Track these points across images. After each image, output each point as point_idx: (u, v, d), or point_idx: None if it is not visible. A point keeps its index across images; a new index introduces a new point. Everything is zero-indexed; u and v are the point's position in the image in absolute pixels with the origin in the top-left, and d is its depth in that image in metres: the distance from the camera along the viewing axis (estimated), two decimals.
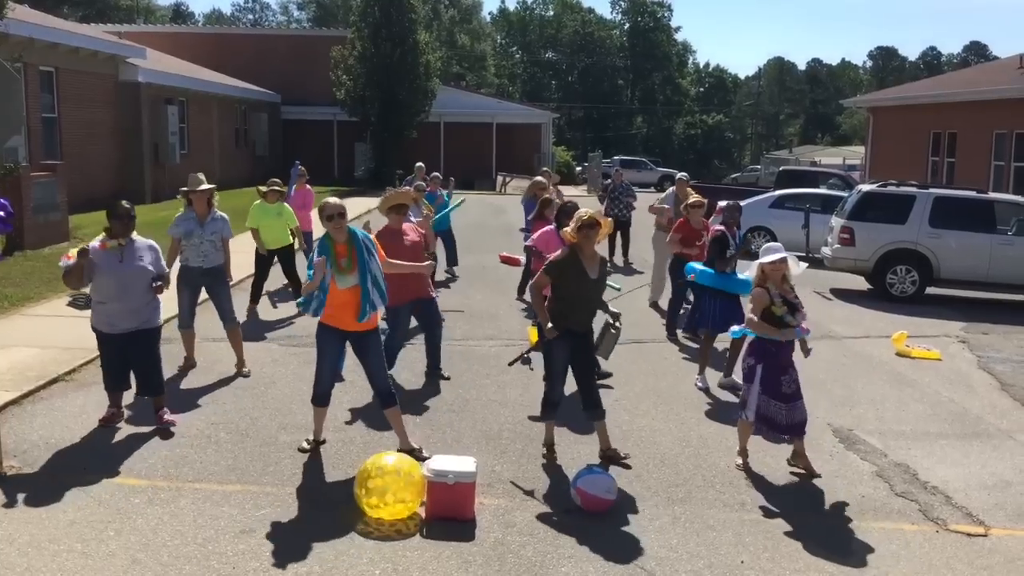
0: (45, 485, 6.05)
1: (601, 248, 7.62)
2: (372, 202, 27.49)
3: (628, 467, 6.76)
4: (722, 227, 9.26)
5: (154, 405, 7.30)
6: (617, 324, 7.30)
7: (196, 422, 7.38)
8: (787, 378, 6.67)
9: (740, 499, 6.30)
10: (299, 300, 6.71)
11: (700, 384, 8.98)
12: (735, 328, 7.44)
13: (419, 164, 16.85)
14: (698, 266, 9.27)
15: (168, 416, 7.27)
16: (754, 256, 7.34)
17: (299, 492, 6.10)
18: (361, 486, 5.69)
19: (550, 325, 6.65)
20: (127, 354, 7.14)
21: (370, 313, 6.53)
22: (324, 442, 6.91)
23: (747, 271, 6.99)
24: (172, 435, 7.08)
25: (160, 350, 7.37)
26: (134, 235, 7.08)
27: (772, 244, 6.88)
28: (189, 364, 8.98)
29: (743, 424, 6.87)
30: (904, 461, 7.17)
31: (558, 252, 6.85)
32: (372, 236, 6.74)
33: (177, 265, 8.70)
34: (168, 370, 8.34)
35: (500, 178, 41.16)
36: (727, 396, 8.70)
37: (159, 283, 6.99)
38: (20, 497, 5.86)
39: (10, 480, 6.11)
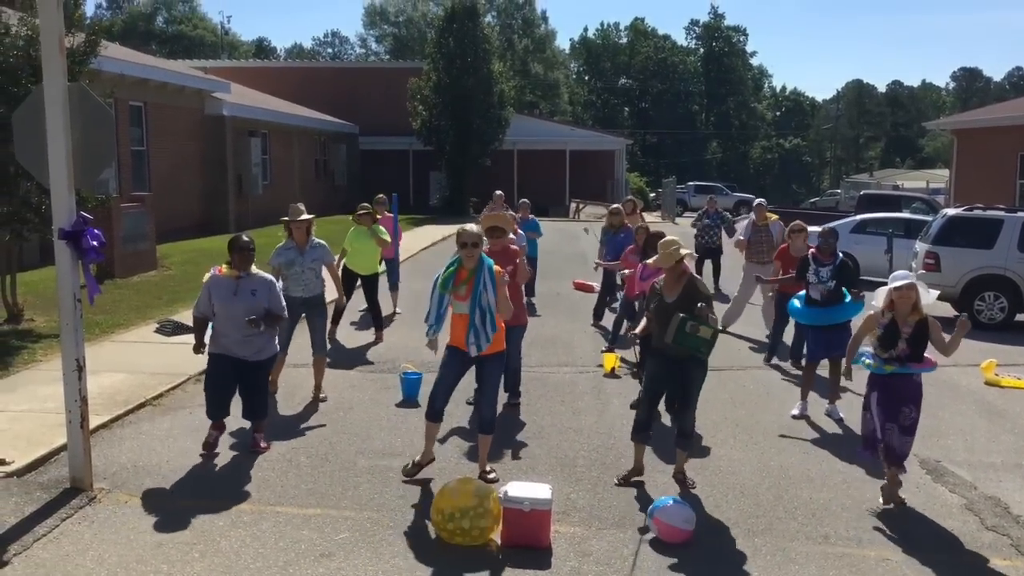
0: (133, 507, 6.23)
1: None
2: (447, 230, 27.82)
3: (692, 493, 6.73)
4: (813, 250, 9.18)
5: (252, 428, 7.49)
6: (692, 323, 6.61)
7: (277, 446, 7.52)
8: (906, 410, 6.51)
9: (823, 532, 6.15)
10: (428, 322, 6.84)
11: (797, 412, 8.83)
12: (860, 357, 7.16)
13: (498, 192, 16.83)
14: (796, 302, 9.20)
15: (263, 444, 7.43)
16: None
17: (377, 517, 6.16)
18: (438, 512, 5.72)
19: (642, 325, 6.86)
20: (233, 379, 7.28)
21: (475, 345, 6.68)
22: (433, 460, 6.96)
23: (876, 299, 6.78)
24: (256, 457, 7.25)
25: (265, 380, 7.56)
26: (253, 268, 7.22)
27: (900, 271, 6.72)
28: (272, 388, 9.14)
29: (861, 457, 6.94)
30: (995, 494, 6.91)
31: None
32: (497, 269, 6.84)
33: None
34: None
35: (573, 205, 41.20)
36: (822, 425, 8.52)
37: (253, 318, 7.01)
38: (109, 519, 6.04)
39: (100, 503, 6.31)
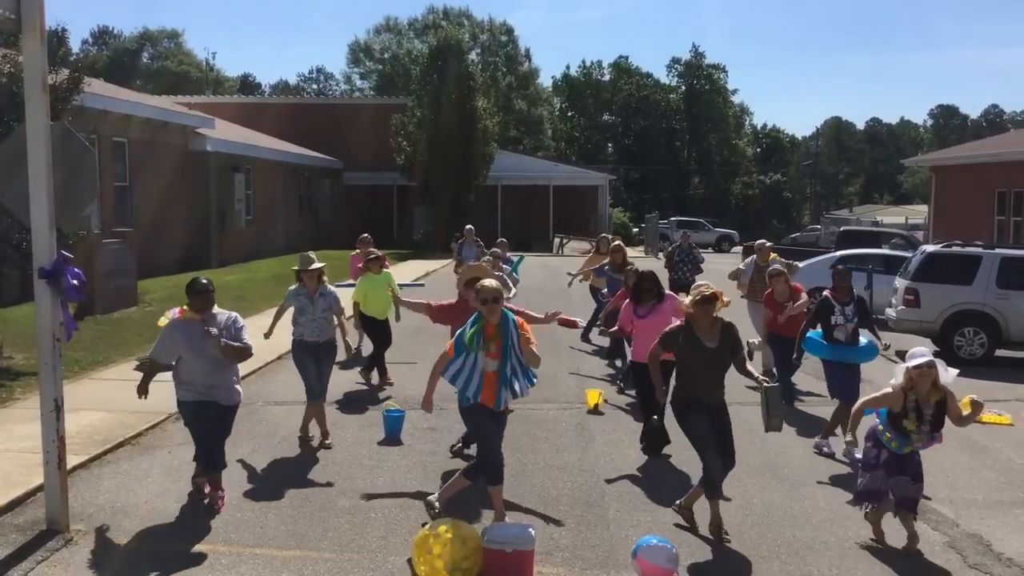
0: (110, 549, 6.15)
1: None
2: (431, 265, 27.85)
3: (727, 541, 6.57)
4: (830, 292, 9.11)
5: (208, 481, 7.09)
6: (770, 384, 7.00)
7: (258, 486, 7.45)
8: (911, 463, 6.50)
9: (806, 570, 6.13)
10: (467, 394, 6.48)
11: (845, 452, 8.53)
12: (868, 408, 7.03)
13: (468, 227, 16.91)
14: (815, 338, 9.09)
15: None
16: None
17: (357, 559, 6.10)
18: (419, 554, 5.67)
19: (663, 388, 7.16)
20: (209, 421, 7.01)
21: (506, 401, 6.56)
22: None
23: (894, 378, 6.52)
24: (234, 498, 7.14)
25: (229, 428, 7.19)
26: (215, 309, 7.00)
27: (918, 348, 6.51)
28: (324, 440, 8.73)
29: (871, 515, 6.65)
30: (977, 531, 6.92)
31: (673, 324, 7.08)
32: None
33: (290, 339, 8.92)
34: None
35: (557, 240, 41.41)
36: (806, 463, 8.53)
37: (211, 329, 6.69)
38: (86, 562, 5.95)
39: (76, 545, 6.21)
